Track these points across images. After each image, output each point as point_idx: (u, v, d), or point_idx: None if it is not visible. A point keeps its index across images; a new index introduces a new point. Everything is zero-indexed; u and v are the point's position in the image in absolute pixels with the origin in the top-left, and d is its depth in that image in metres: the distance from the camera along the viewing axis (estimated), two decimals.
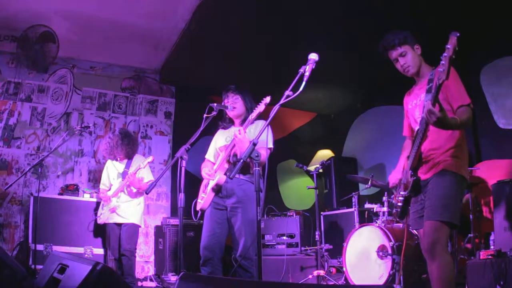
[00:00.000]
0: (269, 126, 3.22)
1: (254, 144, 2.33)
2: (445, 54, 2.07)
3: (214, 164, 3.29)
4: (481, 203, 4.23)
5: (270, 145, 3.17)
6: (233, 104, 3.25)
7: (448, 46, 2.06)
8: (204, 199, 3.17)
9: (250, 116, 3.05)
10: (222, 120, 3.43)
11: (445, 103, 2.42)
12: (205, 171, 3.22)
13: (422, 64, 2.59)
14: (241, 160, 2.35)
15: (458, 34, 2.06)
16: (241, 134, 2.94)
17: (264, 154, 2.83)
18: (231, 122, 3.39)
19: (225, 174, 3.12)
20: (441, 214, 2.31)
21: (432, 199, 2.37)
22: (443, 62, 2.08)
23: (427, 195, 2.41)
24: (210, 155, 3.42)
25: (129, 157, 4.44)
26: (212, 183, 3.15)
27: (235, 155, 3.12)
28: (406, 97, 2.75)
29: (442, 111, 2.14)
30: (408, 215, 2.55)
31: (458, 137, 2.43)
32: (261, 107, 2.99)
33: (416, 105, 2.59)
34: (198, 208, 3.20)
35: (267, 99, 2.98)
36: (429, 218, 2.34)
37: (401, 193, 2.51)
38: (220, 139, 3.36)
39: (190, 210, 3.21)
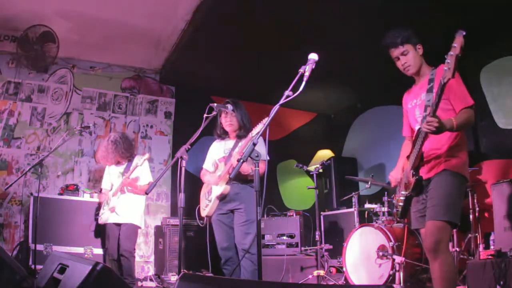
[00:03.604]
0: (262, 139, 3.31)
1: (254, 144, 2.35)
2: (451, 52, 2.04)
3: (212, 173, 3.56)
4: (481, 203, 4.23)
5: (267, 157, 3.32)
6: (230, 121, 3.52)
7: (455, 45, 2.04)
8: (208, 206, 3.42)
9: (250, 133, 3.21)
10: (216, 130, 3.64)
11: (447, 103, 2.42)
12: (207, 176, 3.55)
13: (423, 64, 2.59)
14: (241, 160, 2.36)
15: (464, 33, 2.04)
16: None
17: (261, 167, 2.94)
18: (225, 133, 3.62)
19: (227, 184, 3.37)
20: (443, 213, 2.32)
21: (434, 199, 2.37)
22: (448, 60, 2.05)
23: (429, 195, 2.41)
24: (208, 165, 3.68)
25: (128, 160, 4.43)
26: (216, 192, 3.37)
27: None
28: (406, 96, 2.74)
29: (439, 122, 2.17)
30: (409, 214, 2.55)
31: (459, 137, 2.44)
32: (258, 127, 3.09)
33: (416, 104, 2.59)
34: (203, 214, 3.46)
35: (265, 120, 3.05)
36: (431, 218, 2.35)
37: (402, 192, 2.51)
38: (218, 151, 3.61)
39: (190, 210, 3.33)
